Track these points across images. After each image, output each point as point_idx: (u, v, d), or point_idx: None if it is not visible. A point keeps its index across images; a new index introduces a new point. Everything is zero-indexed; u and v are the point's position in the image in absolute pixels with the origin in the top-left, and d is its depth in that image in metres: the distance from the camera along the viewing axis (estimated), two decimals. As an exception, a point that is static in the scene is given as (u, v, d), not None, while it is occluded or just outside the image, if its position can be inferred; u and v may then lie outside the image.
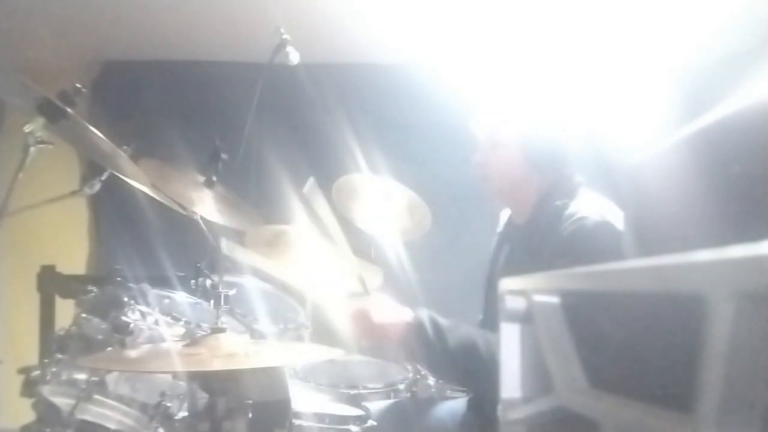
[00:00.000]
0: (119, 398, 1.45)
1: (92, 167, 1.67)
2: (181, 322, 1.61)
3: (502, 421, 0.67)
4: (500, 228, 1.60)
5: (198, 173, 1.68)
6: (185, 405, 1.45)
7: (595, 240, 1.21)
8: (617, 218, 1.26)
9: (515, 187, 1.43)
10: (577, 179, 1.40)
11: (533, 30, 2.80)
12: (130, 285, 1.64)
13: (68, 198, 1.61)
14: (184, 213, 1.67)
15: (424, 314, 1.27)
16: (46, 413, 1.45)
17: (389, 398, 1.76)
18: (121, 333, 1.49)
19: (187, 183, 1.65)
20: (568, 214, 1.28)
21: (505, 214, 1.59)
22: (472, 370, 1.23)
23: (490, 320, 1.55)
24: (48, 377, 1.47)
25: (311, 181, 1.43)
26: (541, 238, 1.32)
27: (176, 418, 1.42)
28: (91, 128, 1.30)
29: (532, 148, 1.38)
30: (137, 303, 1.58)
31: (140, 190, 1.59)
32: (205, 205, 1.60)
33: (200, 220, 1.75)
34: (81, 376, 1.47)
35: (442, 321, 1.27)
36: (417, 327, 1.24)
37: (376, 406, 1.64)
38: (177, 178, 1.64)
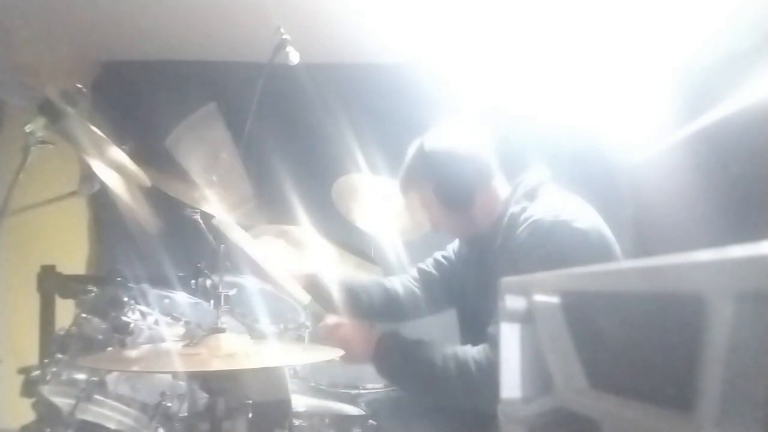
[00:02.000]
0: (119, 398, 1.45)
1: (92, 167, 1.67)
2: (181, 322, 1.61)
3: (502, 421, 0.67)
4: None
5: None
6: (185, 405, 1.45)
7: (550, 241, 1.21)
8: (578, 215, 1.26)
9: (466, 225, 1.45)
10: (536, 180, 1.39)
11: (534, 31, 2.80)
12: (130, 285, 1.64)
13: (68, 198, 1.61)
14: (186, 212, 1.67)
15: (388, 335, 1.37)
16: (46, 413, 1.45)
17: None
18: (121, 333, 1.49)
19: (188, 183, 1.65)
20: (524, 218, 1.28)
21: None
22: (434, 384, 1.31)
23: (466, 316, 1.59)
24: (48, 377, 1.47)
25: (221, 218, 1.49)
26: (502, 244, 1.33)
27: (176, 418, 1.42)
28: (92, 128, 1.30)
29: (447, 195, 1.39)
30: (137, 303, 1.58)
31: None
32: (211, 204, 1.60)
33: (200, 220, 1.75)
34: (81, 376, 1.47)
35: (406, 338, 1.36)
36: (382, 344, 1.34)
37: (377, 403, 1.64)
38: (177, 180, 1.63)
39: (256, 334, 1.80)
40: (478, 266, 1.48)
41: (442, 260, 1.67)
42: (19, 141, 1.31)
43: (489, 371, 1.20)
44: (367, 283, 1.64)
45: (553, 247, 1.19)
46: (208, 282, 1.78)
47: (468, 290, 1.54)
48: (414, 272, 1.71)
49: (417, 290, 1.67)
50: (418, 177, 1.44)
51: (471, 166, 1.38)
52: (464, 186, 1.38)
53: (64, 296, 2.48)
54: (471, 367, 1.24)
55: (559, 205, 1.28)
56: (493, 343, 1.22)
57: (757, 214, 0.50)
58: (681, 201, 0.58)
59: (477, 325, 1.34)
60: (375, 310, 1.59)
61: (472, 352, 1.28)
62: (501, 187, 1.43)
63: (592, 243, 1.22)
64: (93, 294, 1.63)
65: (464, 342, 1.52)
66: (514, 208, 1.33)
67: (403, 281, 1.68)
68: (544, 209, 1.27)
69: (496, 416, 0.69)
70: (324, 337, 1.49)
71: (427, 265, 1.69)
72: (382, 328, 1.44)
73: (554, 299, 0.58)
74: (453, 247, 1.67)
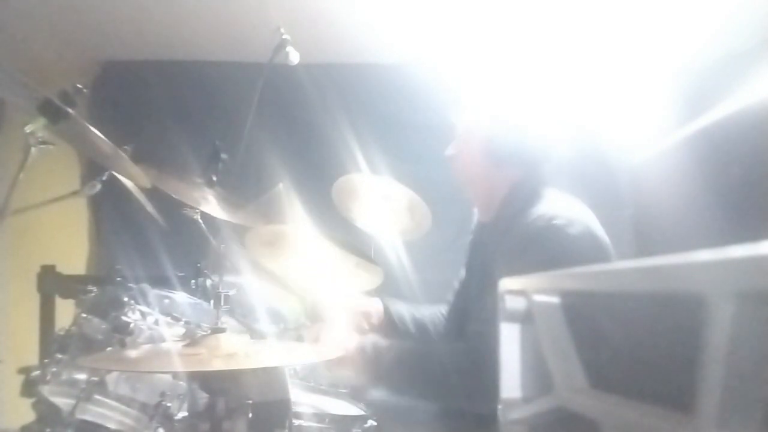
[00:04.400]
0: (119, 398, 1.45)
1: (92, 167, 1.67)
2: (181, 322, 1.61)
3: (502, 421, 0.67)
4: (473, 225, 1.62)
5: (197, 175, 1.68)
6: (185, 405, 1.45)
7: (539, 245, 1.21)
8: (573, 219, 1.26)
9: (480, 183, 1.45)
10: (543, 180, 1.40)
11: (534, 31, 2.80)
12: (130, 285, 1.64)
13: (68, 198, 1.61)
14: (185, 211, 1.67)
15: (368, 339, 1.37)
16: (46, 413, 1.45)
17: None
18: (121, 333, 1.49)
19: (188, 183, 1.65)
20: (520, 219, 1.29)
21: (477, 212, 1.61)
22: (407, 384, 1.34)
23: (459, 310, 1.59)
24: (48, 377, 1.47)
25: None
26: (499, 241, 1.34)
27: (176, 418, 1.42)
28: (92, 128, 1.30)
29: (496, 146, 1.39)
30: (137, 303, 1.58)
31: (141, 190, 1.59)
32: (209, 204, 1.60)
33: (200, 220, 1.74)
34: (81, 376, 1.47)
35: (382, 342, 1.36)
36: (362, 351, 1.34)
37: (377, 404, 1.65)
38: (177, 180, 1.63)
39: (256, 334, 1.80)
40: (479, 265, 1.49)
41: (460, 286, 1.65)
42: (19, 141, 1.31)
43: (458, 371, 1.22)
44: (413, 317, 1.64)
45: (542, 251, 1.20)
46: (208, 282, 1.78)
47: (469, 290, 1.54)
48: (444, 307, 1.69)
49: (444, 327, 1.65)
50: (489, 112, 1.43)
51: (533, 142, 1.39)
52: (519, 151, 1.38)
53: (64, 296, 2.48)
54: (437, 368, 1.26)
55: (553, 209, 1.28)
56: (472, 342, 1.25)
57: (757, 214, 0.50)
58: (681, 201, 0.58)
59: (479, 317, 1.35)
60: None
61: (445, 353, 1.30)
62: (526, 178, 1.42)
63: (584, 249, 1.23)
64: (93, 294, 1.63)
65: (453, 336, 1.53)
66: (511, 210, 1.34)
67: (433, 318, 1.67)
68: (538, 213, 1.27)
69: (496, 416, 0.69)
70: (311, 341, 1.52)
71: (450, 301, 1.67)
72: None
73: (554, 299, 0.58)
74: (465, 262, 1.65)
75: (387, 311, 1.59)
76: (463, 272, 1.64)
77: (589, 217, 1.31)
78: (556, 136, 1.43)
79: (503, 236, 1.33)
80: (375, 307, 1.58)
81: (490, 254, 1.36)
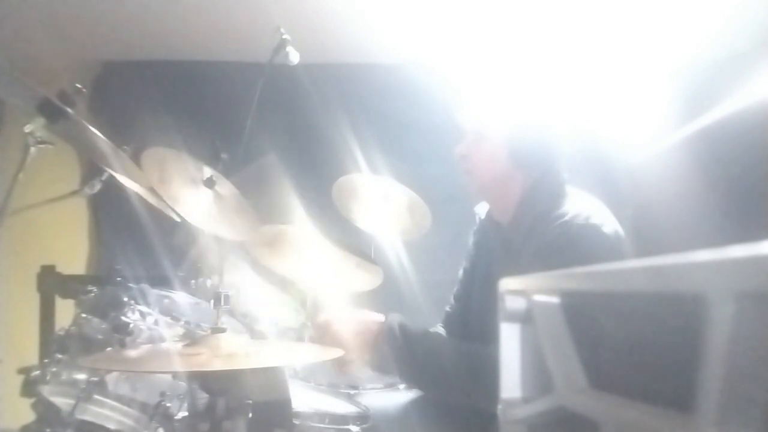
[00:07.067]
0: (119, 398, 1.45)
1: (92, 167, 1.67)
2: (181, 322, 1.61)
3: (502, 421, 0.67)
4: (477, 226, 1.59)
5: (204, 166, 1.64)
6: (185, 405, 1.45)
7: (579, 243, 1.20)
8: (605, 219, 1.25)
9: (498, 183, 1.41)
10: (564, 178, 1.39)
11: (534, 30, 2.80)
12: (130, 285, 1.64)
13: (68, 198, 1.61)
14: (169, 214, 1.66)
15: (395, 319, 1.29)
16: (46, 413, 1.45)
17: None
18: (121, 333, 1.49)
19: (186, 181, 1.64)
20: (553, 217, 1.26)
21: (481, 210, 1.58)
22: (440, 378, 1.24)
23: (462, 315, 1.57)
24: (48, 377, 1.47)
25: None
26: (524, 239, 1.31)
27: (176, 418, 1.42)
28: (91, 128, 1.30)
29: (519, 144, 1.36)
30: (137, 303, 1.58)
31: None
32: (200, 209, 1.57)
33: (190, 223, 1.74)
34: (81, 376, 1.47)
35: (412, 327, 1.28)
36: (387, 332, 1.26)
37: (376, 404, 1.64)
38: (177, 175, 1.60)
39: (256, 334, 1.80)
40: (495, 262, 1.45)
41: (462, 290, 1.62)
42: (19, 141, 1.31)
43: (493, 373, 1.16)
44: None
45: (582, 250, 1.19)
46: (208, 282, 1.78)
47: (478, 287, 1.52)
48: (441, 325, 1.64)
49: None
50: (510, 110, 1.39)
51: (553, 140, 1.39)
52: (540, 149, 1.37)
53: (64, 296, 2.48)
54: (487, 367, 1.19)
55: (586, 208, 1.27)
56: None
57: (757, 214, 0.50)
58: (681, 201, 0.58)
59: (485, 321, 1.32)
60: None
61: (487, 350, 1.24)
62: (546, 177, 1.39)
63: (615, 248, 1.22)
64: (93, 294, 1.63)
65: (466, 339, 1.50)
66: (540, 206, 1.32)
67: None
68: (573, 211, 1.26)
69: (495, 416, 0.69)
70: (320, 336, 1.39)
71: (451, 307, 1.64)
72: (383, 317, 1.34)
73: (554, 299, 0.58)
74: (465, 265, 1.63)
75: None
76: (461, 274, 1.63)
77: (611, 215, 1.31)
78: (566, 134, 1.42)
79: (528, 235, 1.30)
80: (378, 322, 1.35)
81: (514, 253, 1.32)
